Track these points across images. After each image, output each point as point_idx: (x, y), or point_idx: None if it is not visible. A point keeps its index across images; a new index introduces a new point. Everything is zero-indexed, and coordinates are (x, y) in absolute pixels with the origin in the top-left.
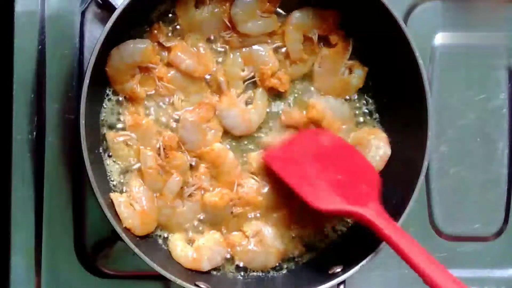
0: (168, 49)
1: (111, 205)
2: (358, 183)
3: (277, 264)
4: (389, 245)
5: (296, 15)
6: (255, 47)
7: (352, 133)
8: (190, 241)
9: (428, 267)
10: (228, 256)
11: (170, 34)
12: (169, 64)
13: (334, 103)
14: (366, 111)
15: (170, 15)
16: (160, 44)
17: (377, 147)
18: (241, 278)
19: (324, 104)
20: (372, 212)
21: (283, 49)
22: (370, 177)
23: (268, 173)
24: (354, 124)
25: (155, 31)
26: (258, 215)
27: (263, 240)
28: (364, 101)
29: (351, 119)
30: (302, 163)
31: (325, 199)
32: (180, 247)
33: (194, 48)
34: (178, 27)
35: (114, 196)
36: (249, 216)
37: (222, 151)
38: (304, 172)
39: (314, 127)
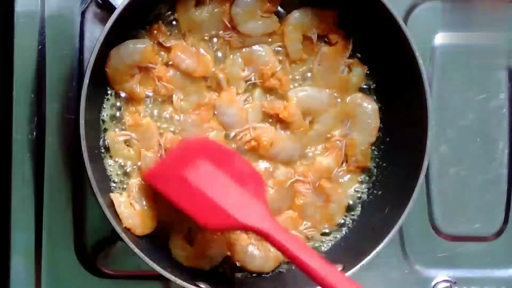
0: (168, 49)
1: (111, 205)
2: (246, 191)
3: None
4: (285, 256)
5: (296, 15)
6: (255, 47)
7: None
8: (190, 241)
9: (329, 274)
10: (228, 255)
11: (170, 34)
12: (168, 64)
13: (312, 93)
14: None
15: (170, 15)
16: (159, 44)
17: (365, 108)
18: (241, 277)
19: (302, 96)
20: (269, 225)
21: (283, 49)
22: (256, 182)
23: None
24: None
25: (155, 31)
26: None
27: (263, 240)
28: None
29: (333, 104)
30: (185, 178)
31: (214, 216)
32: (180, 247)
33: (194, 48)
34: (178, 27)
35: (114, 196)
36: None
37: None
38: (188, 188)
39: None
